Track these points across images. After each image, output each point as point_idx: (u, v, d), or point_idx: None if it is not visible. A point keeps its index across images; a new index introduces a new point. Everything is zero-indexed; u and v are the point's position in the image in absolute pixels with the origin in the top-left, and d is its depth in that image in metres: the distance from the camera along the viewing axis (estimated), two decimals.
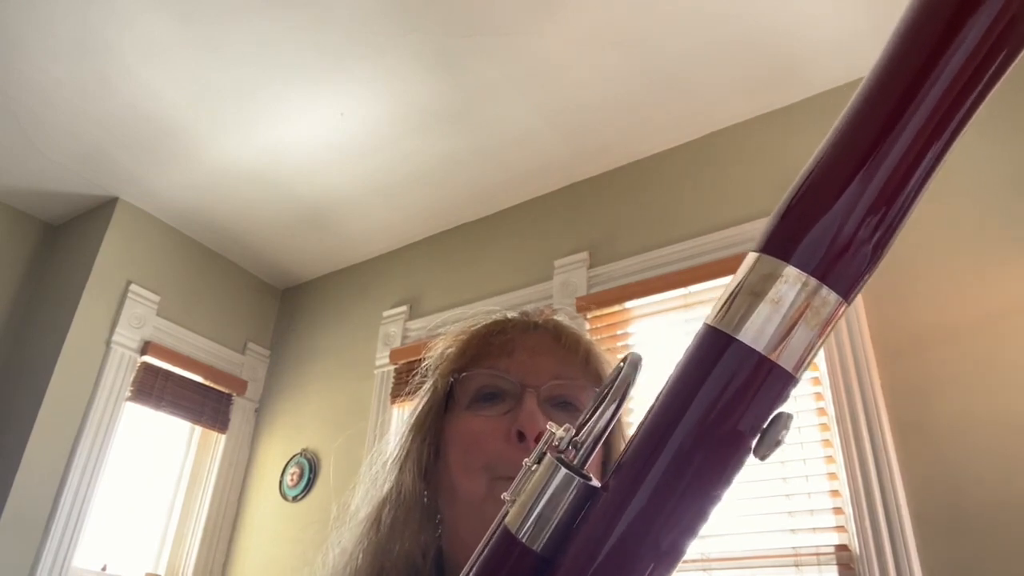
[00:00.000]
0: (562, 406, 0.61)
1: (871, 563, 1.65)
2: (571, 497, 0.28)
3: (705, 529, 0.27)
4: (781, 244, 0.26)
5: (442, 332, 0.70)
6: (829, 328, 0.26)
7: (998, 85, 0.24)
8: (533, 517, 0.29)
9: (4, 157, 2.76)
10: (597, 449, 0.31)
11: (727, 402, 0.26)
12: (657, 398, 0.28)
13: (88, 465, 2.64)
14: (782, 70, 2.22)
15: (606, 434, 0.31)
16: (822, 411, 1.90)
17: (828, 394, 1.88)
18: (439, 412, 0.64)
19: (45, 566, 2.45)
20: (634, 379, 0.31)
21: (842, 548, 1.72)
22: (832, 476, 1.81)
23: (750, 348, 0.26)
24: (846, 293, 0.25)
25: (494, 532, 0.30)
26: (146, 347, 2.91)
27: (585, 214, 2.66)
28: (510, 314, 0.69)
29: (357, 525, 0.63)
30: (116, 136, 2.65)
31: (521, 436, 0.56)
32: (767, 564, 1.79)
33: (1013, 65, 0.24)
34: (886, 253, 0.25)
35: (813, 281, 0.25)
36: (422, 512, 0.60)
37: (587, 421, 0.35)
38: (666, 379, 0.28)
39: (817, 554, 1.74)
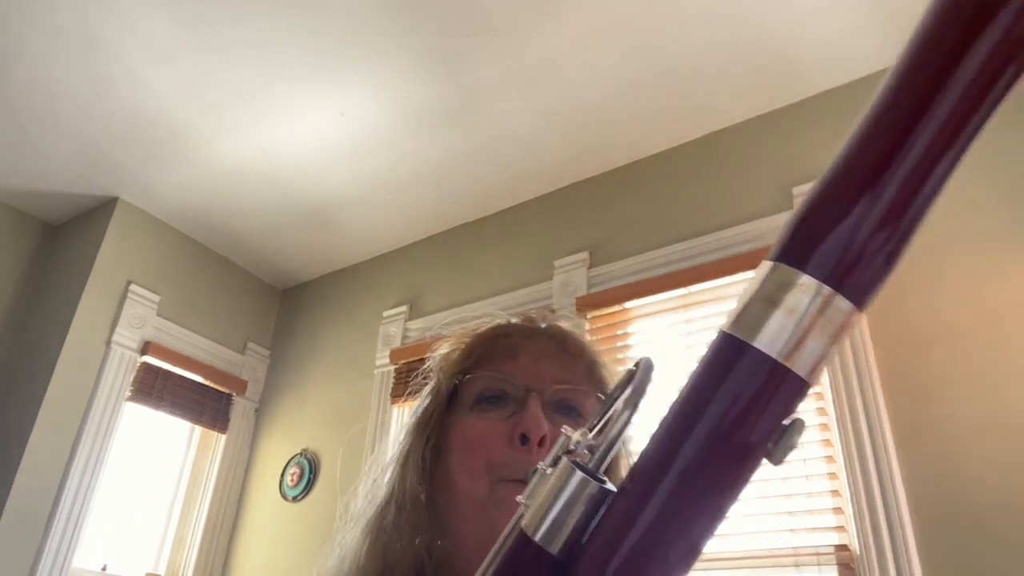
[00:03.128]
0: (565, 411, 0.61)
1: (871, 563, 1.65)
2: (587, 500, 0.29)
3: None
4: (796, 254, 0.26)
5: (444, 334, 0.70)
6: (842, 336, 0.26)
7: (1011, 93, 0.25)
8: (549, 520, 0.29)
9: (4, 157, 2.76)
10: (612, 453, 0.31)
11: (743, 407, 0.26)
12: (673, 403, 0.28)
13: (88, 465, 2.64)
14: (782, 70, 2.22)
15: (621, 438, 0.31)
16: (822, 411, 1.90)
17: (828, 394, 1.89)
18: (442, 413, 0.64)
19: (45, 566, 2.46)
20: (647, 385, 0.32)
21: (842, 548, 1.73)
22: (832, 476, 1.82)
23: (765, 354, 0.26)
24: (859, 302, 0.26)
25: (509, 534, 0.31)
26: (146, 347, 2.91)
27: (585, 214, 2.66)
28: (514, 319, 0.70)
29: (359, 525, 0.63)
30: (116, 136, 2.65)
31: (524, 439, 0.57)
32: (767, 564, 1.79)
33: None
34: (899, 262, 0.26)
35: (827, 290, 0.26)
36: (424, 513, 0.60)
37: (596, 424, 0.36)
38: (682, 385, 0.28)
39: (817, 554, 1.74)
